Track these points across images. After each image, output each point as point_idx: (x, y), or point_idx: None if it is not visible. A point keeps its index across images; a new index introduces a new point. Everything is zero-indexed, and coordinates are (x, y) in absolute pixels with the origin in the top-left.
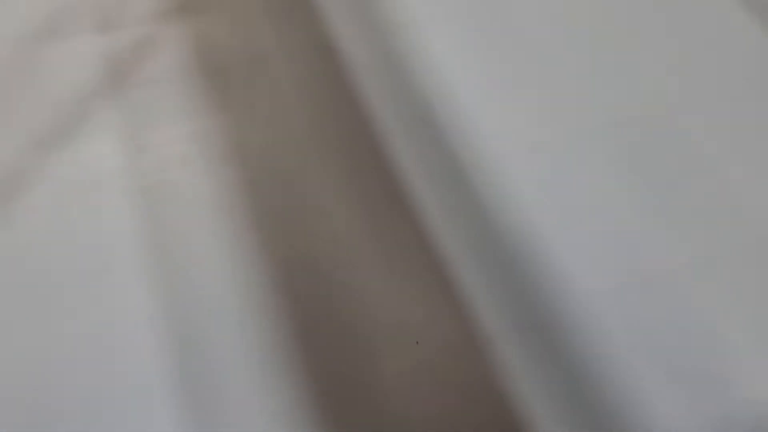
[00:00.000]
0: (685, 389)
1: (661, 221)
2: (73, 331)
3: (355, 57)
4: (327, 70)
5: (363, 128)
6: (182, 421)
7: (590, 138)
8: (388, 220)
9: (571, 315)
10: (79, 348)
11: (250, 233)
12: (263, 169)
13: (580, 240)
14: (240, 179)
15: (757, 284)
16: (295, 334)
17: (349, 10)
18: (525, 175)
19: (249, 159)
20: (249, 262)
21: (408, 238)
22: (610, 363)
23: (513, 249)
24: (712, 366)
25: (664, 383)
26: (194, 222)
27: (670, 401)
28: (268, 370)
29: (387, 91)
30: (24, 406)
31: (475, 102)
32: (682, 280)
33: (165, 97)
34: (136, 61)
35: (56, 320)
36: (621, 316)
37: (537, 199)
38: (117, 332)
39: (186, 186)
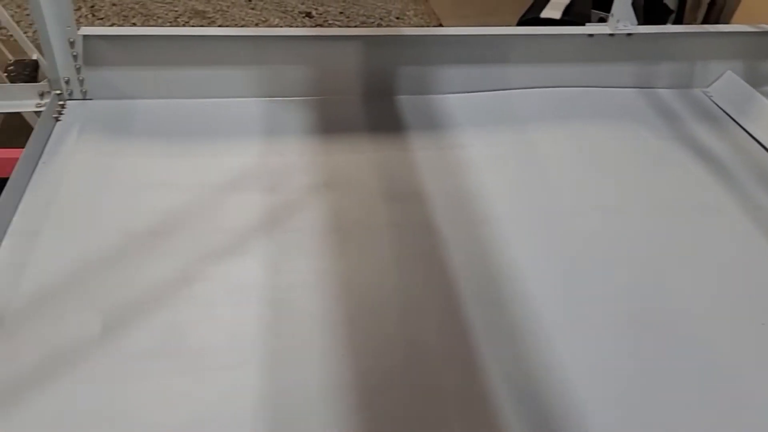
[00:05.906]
0: None
1: None
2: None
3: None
4: (423, 247)
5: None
6: None
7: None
8: None
9: None
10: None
11: (346, 350)
12: (361, 305)
13: None
14: (342, 308)
15: None
16: None
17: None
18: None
19: (351, 296)
20: (340, 375)
21: None
22: None
23: None
24: None
25: None
26: (304, 332)
27: None
28: None
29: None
30: None
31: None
32: None
33: (300, 241)
34: (287, 216)
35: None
36: None
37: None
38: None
39: (303, 303)
